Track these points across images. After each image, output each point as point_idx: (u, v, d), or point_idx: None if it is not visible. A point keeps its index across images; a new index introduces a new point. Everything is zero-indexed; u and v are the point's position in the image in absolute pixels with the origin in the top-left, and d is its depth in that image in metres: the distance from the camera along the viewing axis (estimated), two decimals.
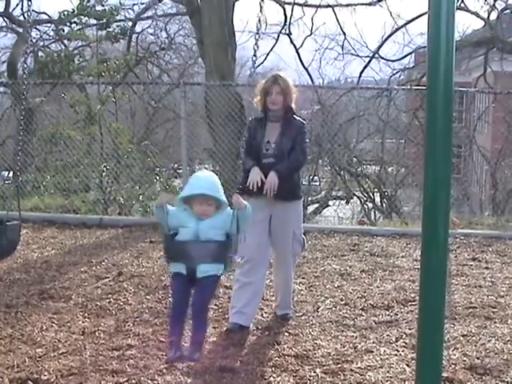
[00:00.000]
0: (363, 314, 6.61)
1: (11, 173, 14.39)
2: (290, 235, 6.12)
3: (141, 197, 13.31)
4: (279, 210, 6.03)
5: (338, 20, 23.35)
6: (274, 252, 6.27)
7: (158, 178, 14.16)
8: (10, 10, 21.73)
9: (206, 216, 4.48)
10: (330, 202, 19.11)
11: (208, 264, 4.42)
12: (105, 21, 17.67)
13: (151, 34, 25.95)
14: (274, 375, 5.04)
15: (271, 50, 23.99)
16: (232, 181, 11.19)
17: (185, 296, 4.46)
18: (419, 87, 16.48)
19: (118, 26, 18.79)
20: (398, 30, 22.94)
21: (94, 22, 18.63)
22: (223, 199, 4.51)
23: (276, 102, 6.00)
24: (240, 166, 6.32)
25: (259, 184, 5.86)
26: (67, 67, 17.52)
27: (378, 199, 18.04)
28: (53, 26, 21.03)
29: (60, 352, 5.44)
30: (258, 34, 4.76)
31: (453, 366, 5.23)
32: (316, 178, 18.84)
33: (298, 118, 6.16)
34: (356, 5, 22.85)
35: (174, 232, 4.55)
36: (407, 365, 5.22)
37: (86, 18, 18.53)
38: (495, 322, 6.37)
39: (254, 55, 4.80)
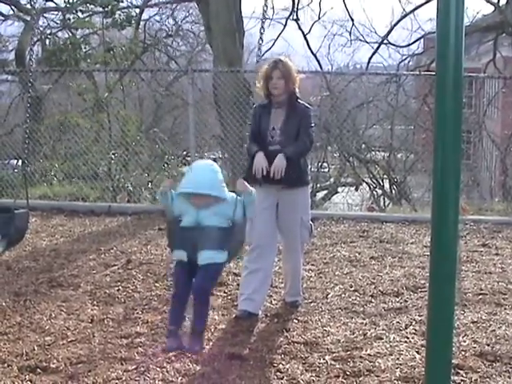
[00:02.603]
0: (373, 300, 6.59)
1: (20, 161, 14.41)
2: (298, 222, 6.08)
3: (149, 184, 13.31)
4: (286, 196, 6.00)
5: (346, 6, 23.28)
6: (282, 239, 6.25)
7: (166, 165, 14.15)
8: None
9: (205, 206, 4.46)
10: (339, 189, 19.10)
11: (210, 251, 4.39)
12: (110, 8, 17.62)
13: (158, 22, 25.90)
14: (284, 362, 5.03)
15: (279, 35, 23.89)
16: (240, 167, 11.16)
17: (186, 284, 4.47)
18: (428, 73, 16.38)
19: (123, 13, 18.72)
20: (406, 15, 22.81)
21: (100, 9, 18.58)
22: (220, 195, 4.47)
23: (277, 87, 5.95)
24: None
25: (264, 172, 5.83)
26: (74, 55, 17.50)
27: (387, 185, 18.01)
28: (60, 13, 21.01)
29: (69, 340, 5.44)
30: (263, 20, 4.73)
31: (463, 352, 5.20)
32: (325, 164, 18.83)
33: (302, 102, 6.11)
34: None
35: (179, 219, 4.51)
36: (417, 352, 5.20)
37: (92, 6, 18.49)
38: (505, 309, 6.34)
39: (261, 39, 4.77)
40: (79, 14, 19.11)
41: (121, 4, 18.63)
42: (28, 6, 21.08)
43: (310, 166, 6.32)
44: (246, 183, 4.55)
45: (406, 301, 6.57)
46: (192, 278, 4.45)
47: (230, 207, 4.45)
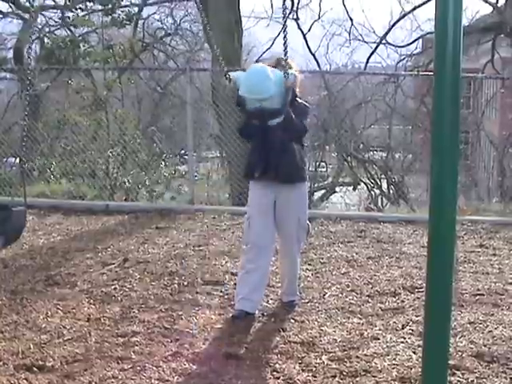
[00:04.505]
0: (370, 300, 6.58)
1: (18, 159, 14.38)
2: (295, 220, 6.06)
3: (147, 182, 13.30)
4: (284, 194, 5.97)
5: (345, 6, 23.28)
6: (279, 238, 6.23)
7: (164, 163, 14.14)
8: None
9: None
10: (337, 189, 19.13)
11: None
12: (110, 6, 17.59)
13: (157, 20, 25.92)
14: (280, 362, 5.02)
15: (278, 35, 23.86)
16: (238, 166, 11.18)
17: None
18: (426, 73, 16.39)
19: (123, 12, 18.72)
20: (405, 15, 22.84)
21: (100, 7, 18.57)
22: (273, 92, 5.70)
23: None
24: (246, 151, 6.26)
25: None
26: (73, 53, 17.50)
27: (385, 185, 18.04)
28: (59, 11, 21.00)
29: (65, 338, 5.42)
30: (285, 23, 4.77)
31: (460, 353, 5.19)
32: (323, 164, 18.84)
33: (301, 101, 6.09)
34: None
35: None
36: (414, 352, 5.19)
37: (92, 4, 18.48)
38: (502, 309, 6.33)
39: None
40: (78, 11, 19.09)
41: (120, 2, 18.62)
42: (27, 3, 21.09)
43: (307, 166, 6.31)
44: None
45: (402, 301, 6.56)
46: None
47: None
